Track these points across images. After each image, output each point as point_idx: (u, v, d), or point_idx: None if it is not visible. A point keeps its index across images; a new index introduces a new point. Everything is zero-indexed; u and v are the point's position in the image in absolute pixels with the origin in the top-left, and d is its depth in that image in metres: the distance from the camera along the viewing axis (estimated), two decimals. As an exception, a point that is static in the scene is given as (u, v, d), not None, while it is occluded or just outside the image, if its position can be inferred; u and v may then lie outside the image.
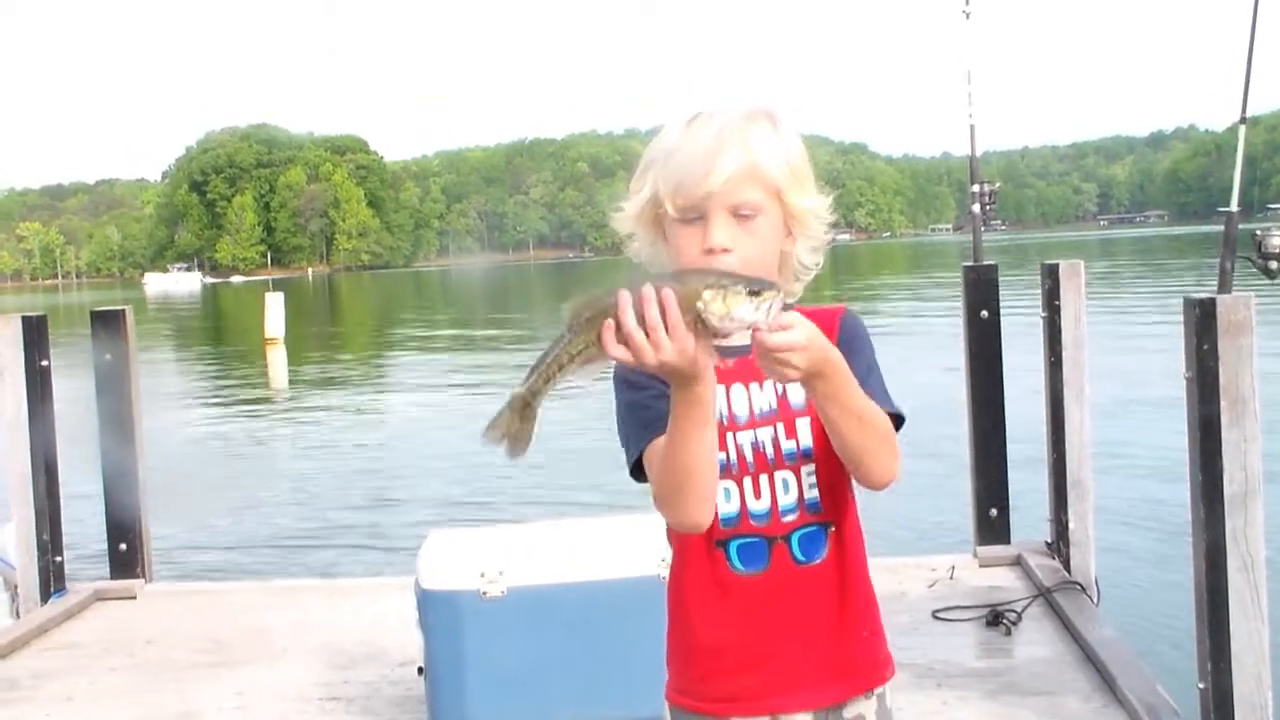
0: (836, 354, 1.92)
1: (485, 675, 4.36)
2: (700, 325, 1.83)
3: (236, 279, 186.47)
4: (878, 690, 2.20)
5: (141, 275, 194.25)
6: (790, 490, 2.13)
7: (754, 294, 1.82)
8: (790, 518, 2.13)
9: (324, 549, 11.39)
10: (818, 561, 2.13)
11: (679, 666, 2.30)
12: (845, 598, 2.15)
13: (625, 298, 1.82)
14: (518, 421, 1.94)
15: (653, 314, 1.80)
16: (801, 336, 1.85)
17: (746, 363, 2.02)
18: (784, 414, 2.13)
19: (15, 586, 7.07)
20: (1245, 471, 4.06)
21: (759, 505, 2.13)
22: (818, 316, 2.03)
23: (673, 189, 2.09)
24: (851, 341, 2.08)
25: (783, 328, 1.83)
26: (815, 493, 2.13)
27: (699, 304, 1.82)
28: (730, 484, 2.13)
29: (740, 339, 1.89)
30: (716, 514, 2.09)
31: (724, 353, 1.91)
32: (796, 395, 2.12)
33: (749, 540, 2.13)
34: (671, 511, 2.05)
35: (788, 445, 2.13)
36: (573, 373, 1.89)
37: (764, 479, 2.13)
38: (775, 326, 1.83)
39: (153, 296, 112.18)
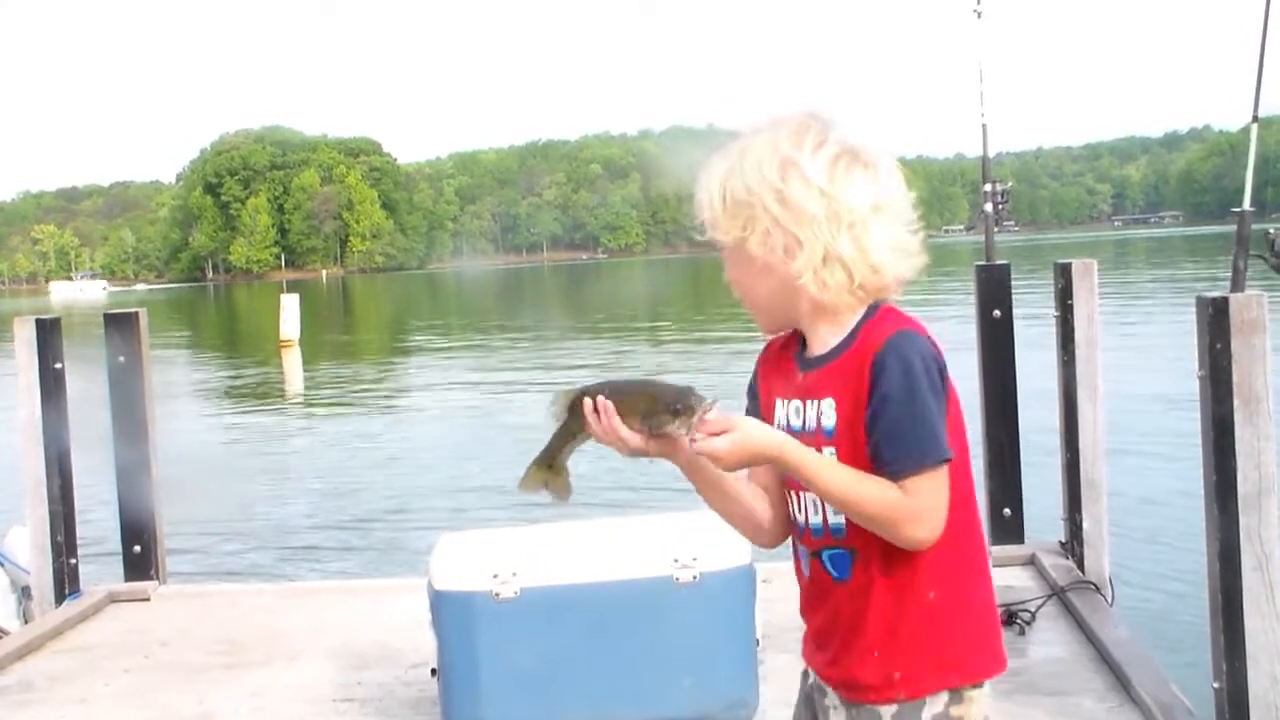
0: (776, 452, 2.09)
1: (498, 676, 4.37)
2: (648, 428, 2.15)
3: (140, 286, 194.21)
4: (881, 707, 2.21)
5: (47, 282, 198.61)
6: (818, 512, 2.22)
7: (676, 414, 2.10)
8: (818, 537, 2.23)
9: (338, 551, 11.41)
10: (846, 580, 2.20)
11: None
12: (868, 617, 2.18)
13: (588, 408, 2.18)
14: (547, 476, 2.31)
15: (597, 430, 2.16)
16: (722, 446, 2.07)
17: (807, 378, 2.20)
18: (817, 440, 2.16)
19: (24, 588, 7.09)
20: (1259, 470, 4.05)
21: (800, 518, 2.27)
22: (872, 335, 2.13)
23: None
24: (880, 380, 2.08)
25: (713, 434, 2.06)
26: (840, 519, 2.18)
27: (641, 416, 2.14)
28: (792, 493, 2.28)
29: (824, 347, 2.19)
30: (791, 517, 2.31)
31: (804, 365, 2.21)
32: (826, 420, 2.16)
33: (802, 548, 2.31)
34: None
35: None
36: (581, 443, 2.26)
37: (804, 496, 2.24)
38: (705, 434, 2.07)
39: (58, 304, 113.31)
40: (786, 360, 2.27)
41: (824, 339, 2.19)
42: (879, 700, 2.20)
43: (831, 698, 2.29)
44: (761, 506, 2.32)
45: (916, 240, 2.21)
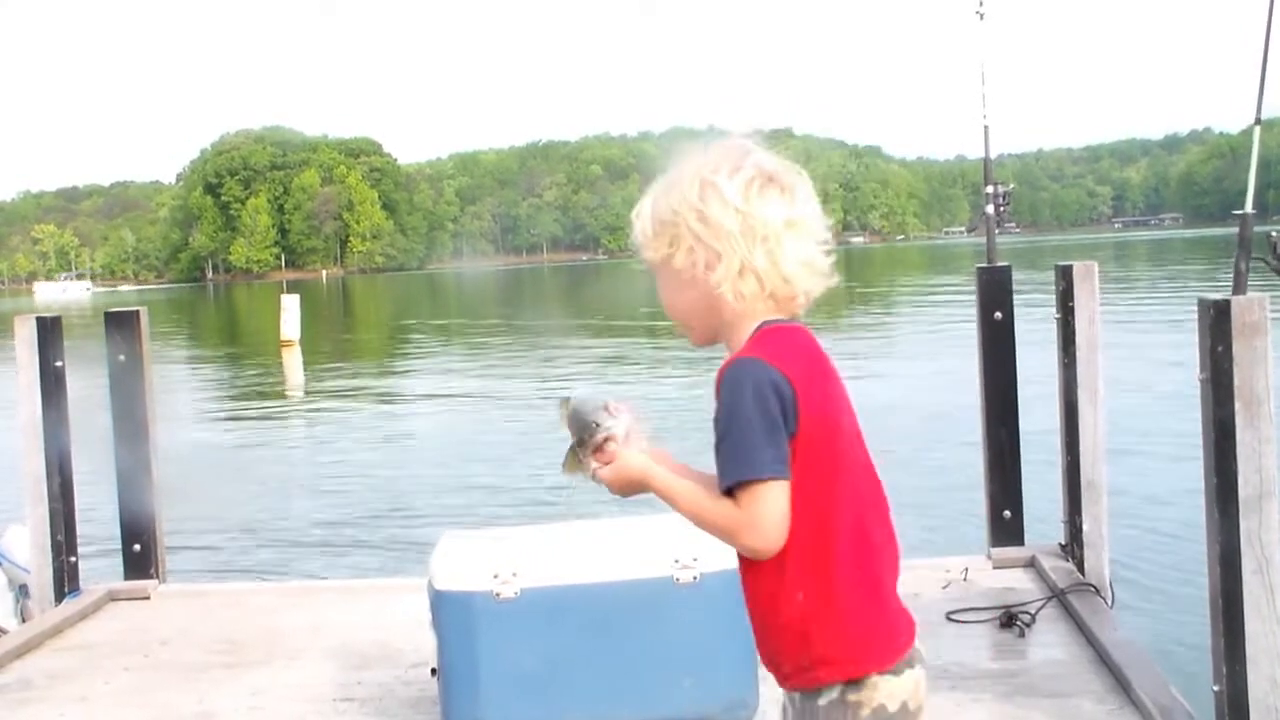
0: (646, 480, 2.33)
1: (498, 676, 4.37)
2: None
3: (125, 287, 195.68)
4: (797, 691, 2.38)
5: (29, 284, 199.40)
6: None
7: (581, 443, 2.37)
8: None
9: (338, 550, 11.41)
10: (742, 575, 2.40)
11: None
12: (757, 606, 2.39)
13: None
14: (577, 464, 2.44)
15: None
16: (606, 475, 2.35)
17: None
18: None
19: (21, 586, 7.09)
20: (1260, 474, 4.05)
21: None
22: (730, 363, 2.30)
23: None
24: (718, 402, 2.28)
25: (604, 464, 2.36)
26: None
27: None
28: None
29: None
30: None
31: None
32: None
33: None
34: None
35: None
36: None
37: None
38: (598, 464, 2.36)
39: (41, 304, 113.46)
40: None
41: (733, 349, 2.36)
42: (787, 688, 2.40)
43: None
44: None
45: (828, 262, 2.39)
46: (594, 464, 2.35)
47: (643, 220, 2.38)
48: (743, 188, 2.31)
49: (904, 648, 2.40)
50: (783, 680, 2.39)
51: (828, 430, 2.29)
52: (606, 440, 2.33)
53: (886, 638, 2.38)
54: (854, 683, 2.32)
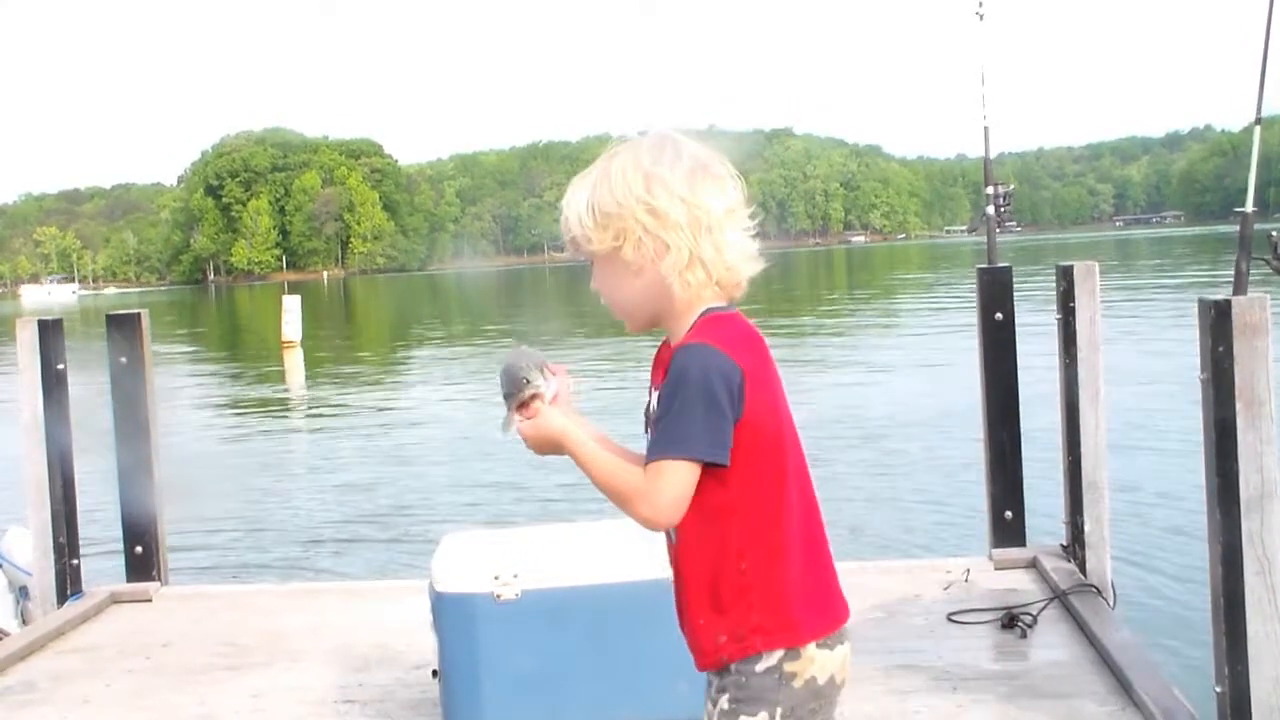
0: (561, 440, 2.38)
1: (499, 678, 4.37)
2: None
3: (110, 290, 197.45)
4: (725, 668, 2.42)
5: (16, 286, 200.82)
6: None
7: (508, 397, 2.41)
8: None
9: (339, 552, 11.41)
10: (676, 543, 2.45)
11: None
12: (685, 584, 2.46)
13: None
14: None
15: None
16: (526, 430, 2.41)
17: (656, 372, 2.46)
18: (650, 424, 2.41)
19: (21, 588, 7.09)
20: (1261, 474, 4.05)
21: None
22: (688, 337, 2.38)
23: None
24: (667, 379, 2.34)
25: (528, 418, 2.40)
26: None
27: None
28: None
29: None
30: None
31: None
32: (654, 407, 2.40)
33: None
34: None
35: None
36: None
37: None
38: (521, 419, 2.41)
39: (27, 307, 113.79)
40: (664, 353, 2.48)
41: (677, 335, 2.43)
42: (707, 665, 2.46)
43: None
44: None
45: (755, 245, 2.46)
46: (517, 418, 2.39)
47: (580, 213, 2.41)
48: (686, 179, 2.37)
49: (839, 621, 2.50)
50: (713, 653, 2.42)
51: (773, 414, 2.38)
52: (534, 397, 2.38)
53: (824, 610, 2.47)
54: (792, 651, 2.40)
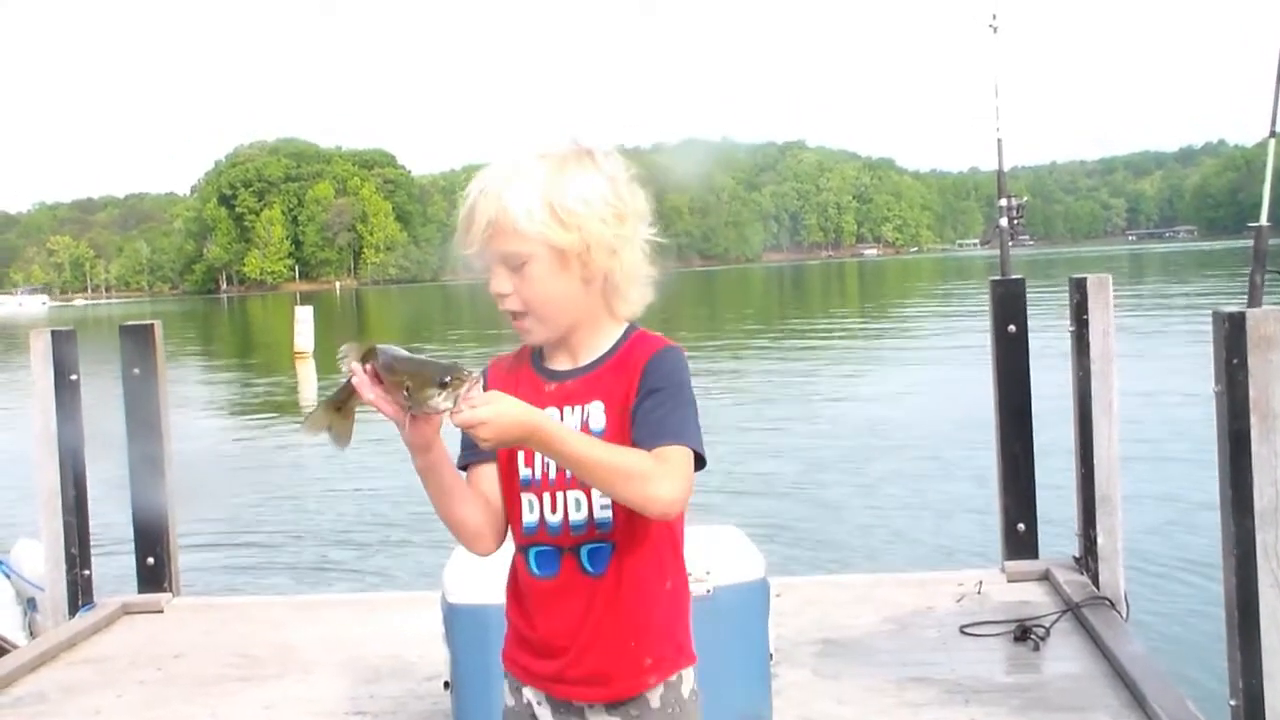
0: (536, 422, 2.13)
1: (511, 690, 4.35)
2: (406, 405, 2.16)
3: (79, 301, 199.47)
4: (647, 694, 2.37)
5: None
6: (581, 508, 2.34)
7: (442, 385, 2.10)
8: (579, 532, 2.35)
9: (351, 563, 11.41)
10: (603, 573, 2.33)
11: (506, 634, 2.59)
12: (619, 608, 2.33)
13: (358, 374, 2.21)
14: (334, 419, 2.33)
15: (364, 394, 2.20)
16: (484, 414, 2.09)
17: (563, 388, 2.35)
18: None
19: (29, 600, 7.09)
20: (1275, 486, 4.03)
21: (554, 518, 2.37)
22: (640, 346, 2.33)
23: (459, 246, 2.35)
24: (654, 377, 2.27)
25: (473, 408, 2.08)
26: (608, 513, 2.32)
27: (404, 392, 2.15)
28: (533, 496, 2.39)
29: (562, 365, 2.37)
30: (521, 521, 2.40)
31: (551, 376, 2.37)
32: (595, 423, 2.32)
33: (544, 548, 2.39)
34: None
35: None
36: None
37: (560, 495, 2.36)
38: (468, 407, 2.08)
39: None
40: (525, 374, 2.42)
41: (590, 348, 2.36)
42: (629, 691, 2.35)
43: (551, 708, 2.45)
44: (483, 515, 2.43)
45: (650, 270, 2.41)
46: (463, 405, 2.10)
47: (529, 206, 2.24)
48: (628, 184, 2.34)
49: None
50: (634, 677, 2.35)
51: None
52: (474, 384, 2.14)
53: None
54: (692, 668, 2.42)
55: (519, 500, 2.40)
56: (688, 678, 2.40)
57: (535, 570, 2.40)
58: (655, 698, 2.36)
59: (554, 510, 2.37)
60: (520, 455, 2.37)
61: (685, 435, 2.24)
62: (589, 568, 2.34)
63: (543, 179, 2.27)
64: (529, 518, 2.40)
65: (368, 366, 2.21)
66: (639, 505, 2.21)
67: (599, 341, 2.36)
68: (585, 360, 2.37)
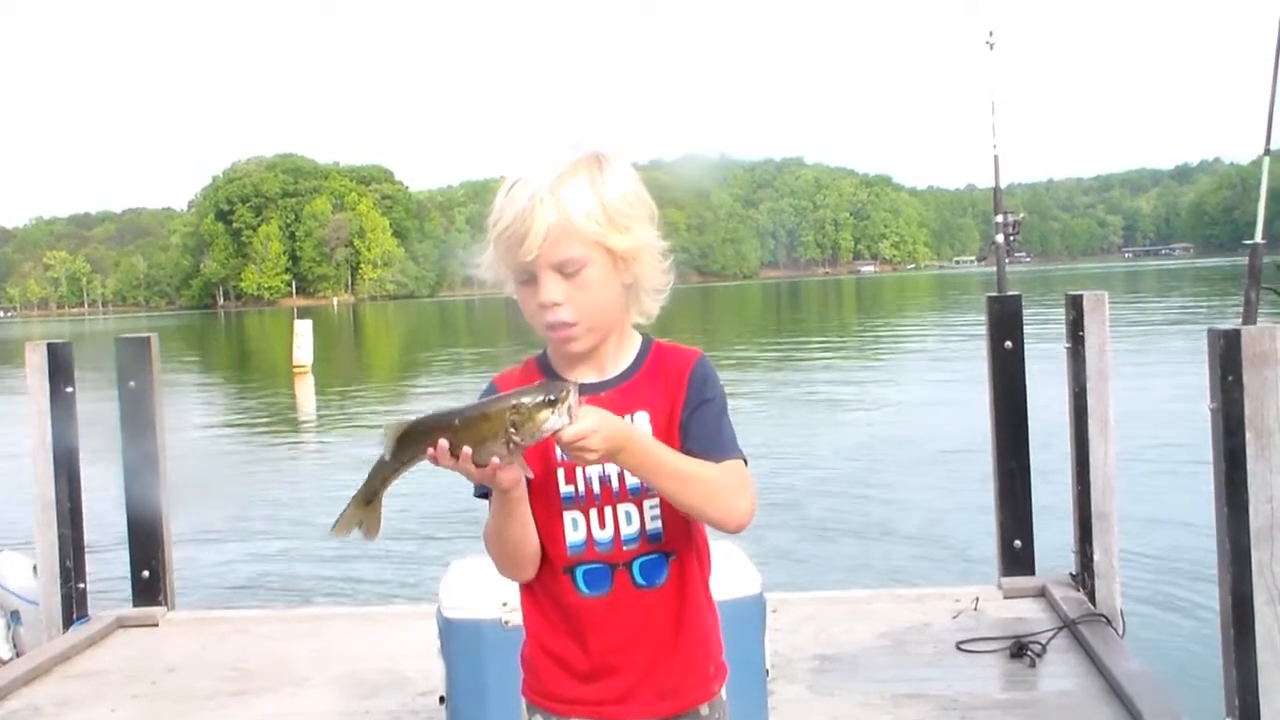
0: (631, 431, 2.12)
1: (506, 704, 4.32)
2: (513, 444, 2.04)
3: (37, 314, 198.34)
4: (701, 706, 2.36)
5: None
6: (633, 521, 2.29)
7: (551, 404, 2.00)
8: (632, 546, 2.29)
9: (346, 577, 11.39)
10: (659, 585, 2.29)
11: (532, 668, 2.43)
12: (683, 618, 2.31)
13: (439, 456, 2.09)
14: (364, 515, 2.25)
15: (447, 462, 2.09)
16: (592, 423, 2.03)
17: (596, 400, 2.18)
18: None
19: (13, 613, 7.05)
20: (1271, 504, 4.04)
21: (603, 534, 2.30)
22: (672, 356, 2.31)
23: (502, 256, 2.25)
24: (702, 388, 2.26)
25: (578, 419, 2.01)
26: (658, 524, 2.29)
27: (509, 429, 2.03)
28: (578, 514, 2.30)
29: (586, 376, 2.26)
30: (565, 541, 2.30)
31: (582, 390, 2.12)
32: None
33: (593, 566, 2.30)
34: (505, 575, 2.37)
35: (632, 480, 2.25)
36: (401, 476, 2.20)
37: (609, 510, 2.29)
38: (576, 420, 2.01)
39: None
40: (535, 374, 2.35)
41: (617, 358, 2.31)
42: (699, 700, 2.35)
43: None
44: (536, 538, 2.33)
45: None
46: (569, 421, 2.00)
47: (588, 209, 2.18)
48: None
49: None
50: (703, 686, 2.35)
51: None
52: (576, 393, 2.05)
53: None
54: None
55: (559, 520, 2.30)
56: (723, 692, 2.41)
57: (585, 590, 2.30)
58: (705, 706, 2.36)
59: (603, 526, 2.29)
60: (560, 472, 2.28)
61: (738, 448, 2.24)
62: (641, 581, 2.28)
63: (591, 182, 2.20)
64: (574, 536, 2.30)
65: (436, 445, 2.10)
66: (718, 518, 2.18)
67: (624, 350, 2.31)
68: (614, 370, 2.30)
